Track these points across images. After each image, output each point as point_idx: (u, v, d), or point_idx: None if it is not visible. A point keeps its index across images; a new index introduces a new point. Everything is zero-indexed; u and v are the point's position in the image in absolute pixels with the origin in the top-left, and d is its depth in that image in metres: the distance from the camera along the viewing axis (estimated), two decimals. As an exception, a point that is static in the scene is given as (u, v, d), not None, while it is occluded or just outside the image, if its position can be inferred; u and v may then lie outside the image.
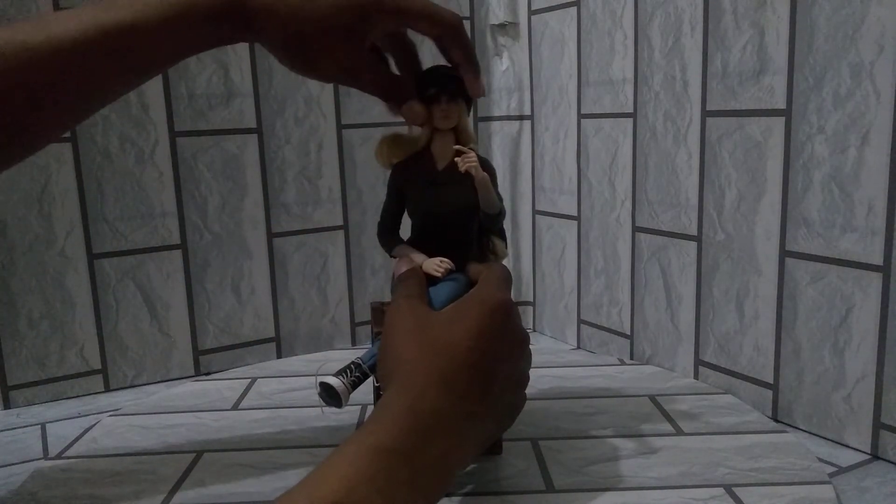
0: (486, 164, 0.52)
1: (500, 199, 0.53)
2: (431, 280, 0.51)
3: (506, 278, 0.47)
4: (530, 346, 0.45)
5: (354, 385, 0.49)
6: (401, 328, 0.43)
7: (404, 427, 0.36)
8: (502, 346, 0.41)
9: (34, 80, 0.43)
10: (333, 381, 0.48)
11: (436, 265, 0.51)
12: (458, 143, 0.53)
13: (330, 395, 0.48)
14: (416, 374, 0.39)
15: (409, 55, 0.54)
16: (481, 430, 0.40)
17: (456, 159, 0.50)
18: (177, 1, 0.45)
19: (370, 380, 0.49)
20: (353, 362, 0.49)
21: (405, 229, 0.58)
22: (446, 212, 0.53)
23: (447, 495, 0.46)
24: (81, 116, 0.49)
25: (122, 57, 0.45)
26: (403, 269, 0.51)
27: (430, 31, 0.50)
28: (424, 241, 0.54)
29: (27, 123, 0.44)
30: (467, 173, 0.50)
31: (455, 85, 0.53)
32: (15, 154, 0.47)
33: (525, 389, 0.45)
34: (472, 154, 0.51)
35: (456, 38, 0.50)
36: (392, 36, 0.53)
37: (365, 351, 0.50)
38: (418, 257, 0.52)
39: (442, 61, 0.55)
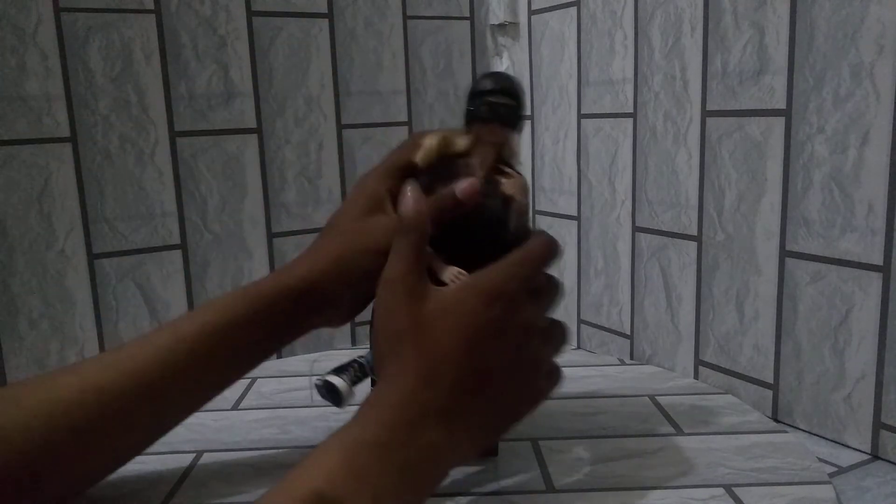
0: (509, 200, 0.50)
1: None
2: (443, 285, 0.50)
3: (523, 262, 0.43)
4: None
5: (354, 384, 0.48)
6: (391, 325, 0.41)
7: (388, 421, 0.36)
8: (498, 340, 0.40)
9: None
10: (337, 381, 0.47)
11: (453, 276, 0.48)
12: (500, 157, 0.50)
13: (330, 393, 0.48)
14: (404, 369, 0.39)
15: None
16: (478, 423, 0.40)
17: (457, 191, 0.48)
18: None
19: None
20: (356, 361, 0.49)
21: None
22: (472, 221, 0.51)
23: (445, 495, 0.46)
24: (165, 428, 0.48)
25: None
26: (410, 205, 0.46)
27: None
28: (446, 247, 0.52)
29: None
30: (498, 186, 0.48)
31: (511, 116, 0.50)
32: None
33: (539, 374, 0.43)
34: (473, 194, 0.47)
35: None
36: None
37: (367, 351, 0.50)
38: (436, 263, 0.51)
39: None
